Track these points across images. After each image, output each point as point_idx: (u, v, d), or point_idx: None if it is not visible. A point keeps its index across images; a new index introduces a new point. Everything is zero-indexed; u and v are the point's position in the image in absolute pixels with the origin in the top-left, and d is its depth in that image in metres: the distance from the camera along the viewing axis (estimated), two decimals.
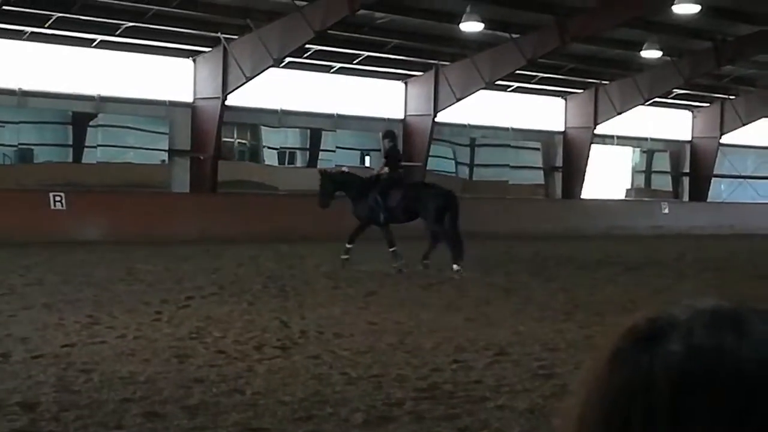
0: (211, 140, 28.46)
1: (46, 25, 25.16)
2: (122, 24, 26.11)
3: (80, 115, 27.94)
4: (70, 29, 25.74)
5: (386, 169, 18.89)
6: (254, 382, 8.52)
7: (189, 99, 28.80)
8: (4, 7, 22.27)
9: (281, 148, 32.83)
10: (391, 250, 18.29)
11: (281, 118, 31.12)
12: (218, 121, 28.22)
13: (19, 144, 27.29)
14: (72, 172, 27.86)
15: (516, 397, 8.16)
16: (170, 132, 28.91)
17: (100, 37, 26.59)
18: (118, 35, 26.51)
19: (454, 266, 17.27)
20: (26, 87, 26.12)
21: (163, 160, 29.42)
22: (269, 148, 32.65)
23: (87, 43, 26.71)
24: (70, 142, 28.60)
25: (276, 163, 32.50)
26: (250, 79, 27.75)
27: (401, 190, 18.41)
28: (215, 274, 17.43)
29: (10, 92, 25.90)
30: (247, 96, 28.92)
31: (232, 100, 28.54)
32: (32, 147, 28.02)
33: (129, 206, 25.62)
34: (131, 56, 27.81)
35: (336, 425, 7.26)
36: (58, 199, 24.54)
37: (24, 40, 25.65)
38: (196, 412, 7.42)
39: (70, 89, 26.91)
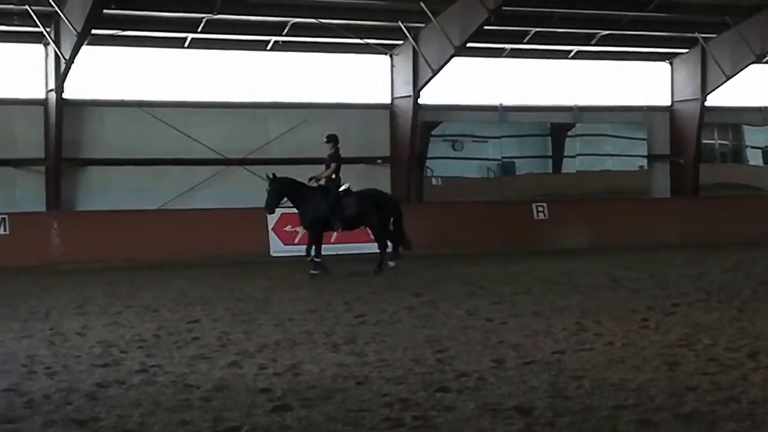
0: (691, 143, 27.87)
1: (525, 41, 25.96)
2: (597, 33, 26.30)
3: (559, 126, 28.44)
4: (548, 42, 26.35)
5: (333, 176, 18.53)
6: (750, 391, 8.18)
7: (667, 103, 28.42)
8: (485, 27, 23.27)
9: (766, 147, 31.27)
10: (317, 259, 18.32)
11: (765, 115, 29.69)
12: (698, 123, 27.57)
13: (502, 157, 28.31)
14: (552, 182, 28.42)
15: None
16: (648, 137, 28.61)
17: (576, 48, 26.98)
18: (594, 44, 26.73)
19: (391, 263, 18.54)
20: (506, 102, 27.09)
21: (642, 166, 29.14)
22: (753, 147, 31.21)
23: (563, 54, 27.20)
24: (550, 153, 29.18)
25: (761, 163, 31.01)
26: (731, 77, 26.81)
27: (354, 198, 18.56)
28: (700, 279, 17.00)
29: (492, 108, 26.99)
30: (727, 95, 27.94)
31: (712, 100, 27.71)
32: (514, 160, 28.91)
33: (609, 213, 25.71)
34: (607, 64, 27.93)
35: None
36: (540, 209, 25.26)
37: (504, 57, 26.65)
38: (691, 421, 7.26)
39: (549, 101, 27.55)
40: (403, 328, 12.03)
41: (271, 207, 18.76)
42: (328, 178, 18.59)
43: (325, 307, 14.06)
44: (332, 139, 18.89)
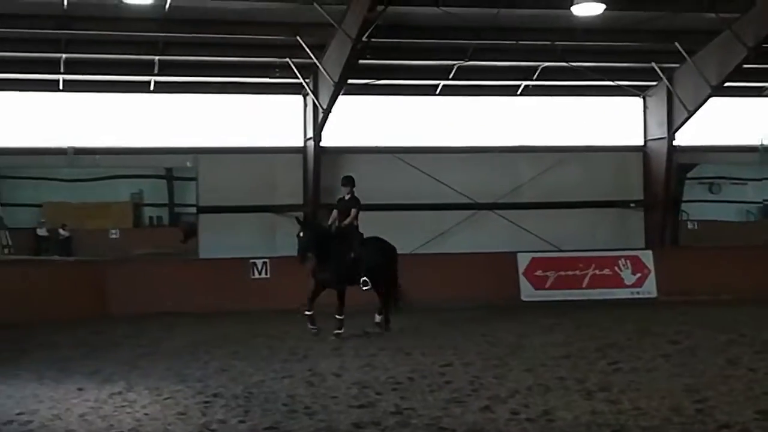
0: None
1: None
2: None
3: None
4: None
5: (355, 221, 16.60)
6: None
7: None
8: (744, 66, 22.41)
9: None
10: (341, 317, 16.27)
11: None
12: None
13: (764, 200, 27.25)
14: None
15: None
16: None
17: None
18: None
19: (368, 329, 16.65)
20: None
21: None
22: None
23: None
24: None
25: None
26: None
27: (371, 245, 16.65)
28: None
29: (752, 149, 25.74)
30: None
31: None
32: None
33: None
34: None
35: None
36: None
37: (765, 95, 25.58)
38: None
39: None
40: (660, 377, 11.69)
41: (305, 256, 16.35)
42: (350, 225, 16.63)
43: (578, 353, 13.86)
44: (349, 182, 16.88)
